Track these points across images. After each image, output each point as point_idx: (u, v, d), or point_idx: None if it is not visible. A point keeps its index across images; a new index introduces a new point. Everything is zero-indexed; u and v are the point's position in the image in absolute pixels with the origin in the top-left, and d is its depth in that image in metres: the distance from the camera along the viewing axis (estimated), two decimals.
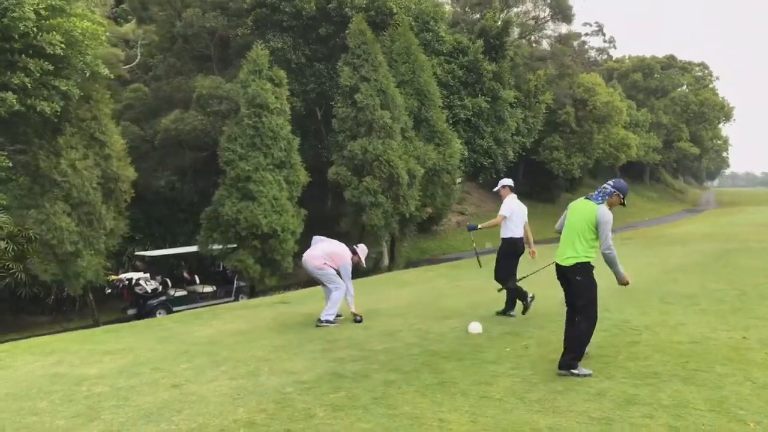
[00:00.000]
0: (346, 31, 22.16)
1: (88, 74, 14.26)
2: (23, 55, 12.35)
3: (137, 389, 5.53)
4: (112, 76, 15.23)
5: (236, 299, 19.40)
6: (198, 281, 21.86)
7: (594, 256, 5.48)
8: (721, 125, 73.32)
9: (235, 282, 20.05)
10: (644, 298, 9.20)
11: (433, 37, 28.20)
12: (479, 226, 8.50)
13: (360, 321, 8.37)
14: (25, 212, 14.01)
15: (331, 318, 8.23)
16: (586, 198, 5.70)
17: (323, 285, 8.49)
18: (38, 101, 12.81)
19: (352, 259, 8.53)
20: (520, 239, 8.17)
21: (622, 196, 5.60)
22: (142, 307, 19.53)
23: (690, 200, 70.56)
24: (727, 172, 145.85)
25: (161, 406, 4.98)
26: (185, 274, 22.57)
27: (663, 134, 61.85)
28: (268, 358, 6.48)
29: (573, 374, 5.35)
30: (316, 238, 8.86)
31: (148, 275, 21.78)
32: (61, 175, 13.67)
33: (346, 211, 21.35)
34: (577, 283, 5.54)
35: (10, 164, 13.04)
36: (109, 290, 21.99)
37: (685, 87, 69.88)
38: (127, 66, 31.55)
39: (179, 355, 6.85)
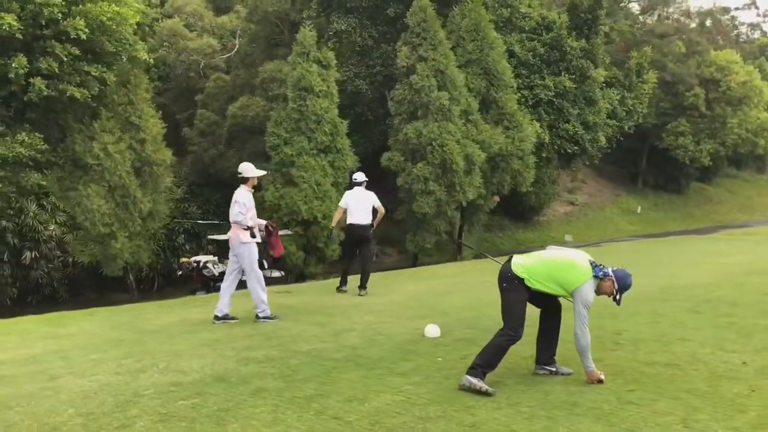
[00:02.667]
0: (410, 10, 21.43)
1: (125, 59, 14.66)
2: (52, 41, 12.85)
3: (14, 379, 5.37)
4: (151, 61, 15.61)
5: None
6: (267, 266, 22.32)
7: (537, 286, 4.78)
8: None
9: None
10: (671, 305, 8.00)
11: (512, 13, 26.66)
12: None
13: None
14: (66, 195, 14.71)
15: (267, 312, 7.70)
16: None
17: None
18: (70, 86, 13.30)
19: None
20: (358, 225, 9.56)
21: (616, 289, 4.74)
22: (210, 289, 20.14)
23: None
24: None
25: (3, 400, 4.74)
26: None
27: None
28: (180, 353, 6.12)
29: (472, 385, 4.57)
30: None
31: (216, 258, 22.53)
32: (93, 158, 14.22)
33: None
34: (504, 289, 4.86)
35: (45, 146, 13.67)
36: (180, 272, 23.05)
37: None
38: (225, 56, 32.83)
39: (105, 344, 6.71)
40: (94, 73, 13.80)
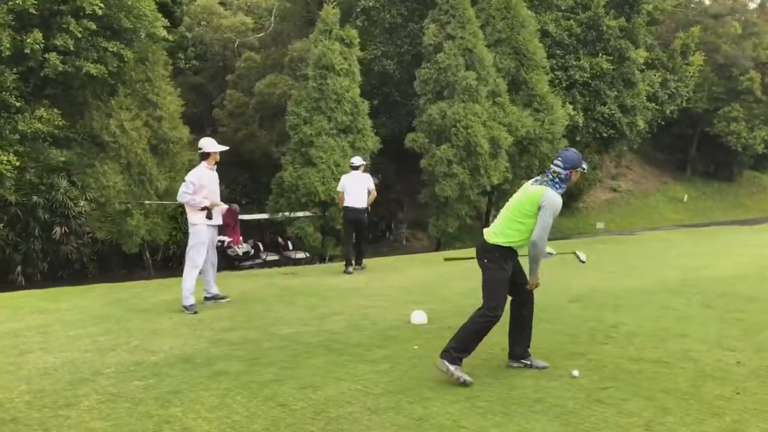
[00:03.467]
0: None
1: (143, 35, 14.71)
2: (68, 17, 12.94)
3: (21, 350, 5.44)
4: (170, 38, 15.61)
5: None
6: (291, 247, 22.45)
7: (518, 241, 4.62)
8: None
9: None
10: (682, 298, 7.64)
11: None
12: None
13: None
14: (84, 171, 14.92)
15: (187, 302, 6.99)
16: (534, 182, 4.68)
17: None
18: (86, 63, 13.41)
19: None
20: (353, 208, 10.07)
21: (579, 170, 4.59)
22: (234, 269, 20.37)
23: None
24: None
25: None
26: (279, 240, 23.30)
27: None
28: (158, 332, 6.10)
29: (448, 371, 4.39)
30: None
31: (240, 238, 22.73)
32: (110, 135, 14.36)
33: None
34: (485, 266, 4.64)
35: (62, 122, 13.84)
36: None
37: None
38: (259, 35, 32.85)
39: (90, 320, 6.71)
40: (111, 50, 13.87)
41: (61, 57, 13.06)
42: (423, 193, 20.45)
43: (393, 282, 9.43)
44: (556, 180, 4.54)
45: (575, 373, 4.61)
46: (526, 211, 4.52)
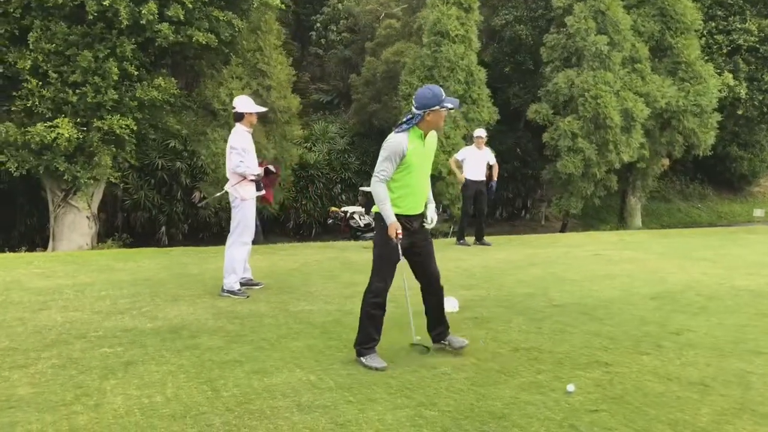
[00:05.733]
0: None
1: (255, 4, 15.03)
2: None
3: (10, 306, 5.73)
4: (283, 6, 15.81)
5: None
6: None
7: (399, 205, 4.16)
8: None
9: None
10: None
11: None
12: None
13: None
14: (198, 139, 15.71)
15: (234, 286, 6.27)
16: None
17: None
18: (197, 32, 13.96)
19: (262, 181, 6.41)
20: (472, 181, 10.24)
21: (439, 107, 4.04)
22: (358, 239, 20.72)
23: None
24: None
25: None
26: None
27: None
28: (177, 299, 6.13)
29: (362, 364, 4.16)
30: None
31: (362, 210, 23.11)
32: (220, 104, 14.90)
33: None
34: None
35: (177, 91, 14.58)
36: (330, 221, 24.05)
37: None
38: (403, 5, 32.78)
39: (130, 282, 6.93)
40: (222, 19, 14.33)
41: (173, 27, 13.69)
42: (547, 169, 19.22)
43: (464, 264, 8.84)
44: (405, 121, 4.13)
45: (570, 388, 3.87)
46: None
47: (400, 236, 4.08)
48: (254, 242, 6.79)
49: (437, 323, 4.58)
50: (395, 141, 4.05)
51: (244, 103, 6.33)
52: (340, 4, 31.46)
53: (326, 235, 25.25)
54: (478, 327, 5.40)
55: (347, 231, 21.89)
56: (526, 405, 3.63)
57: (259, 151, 15.78)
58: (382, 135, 22.00)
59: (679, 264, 9.05)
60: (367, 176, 27.26)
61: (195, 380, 3.92)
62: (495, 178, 10.56)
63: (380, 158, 4.08)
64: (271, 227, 25.07)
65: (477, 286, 7.25)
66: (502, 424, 3.37)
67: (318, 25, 31.63)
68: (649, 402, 3.74)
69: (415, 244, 4.29)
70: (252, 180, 6.32)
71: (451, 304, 6.04)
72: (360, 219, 22.72)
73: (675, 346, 4.89)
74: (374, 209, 4.25)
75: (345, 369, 4.18)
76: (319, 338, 4.90)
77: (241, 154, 6.19)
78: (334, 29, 31.19)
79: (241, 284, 6.48)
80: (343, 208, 23.52)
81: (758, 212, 25.06)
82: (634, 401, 3.75)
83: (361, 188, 24.98)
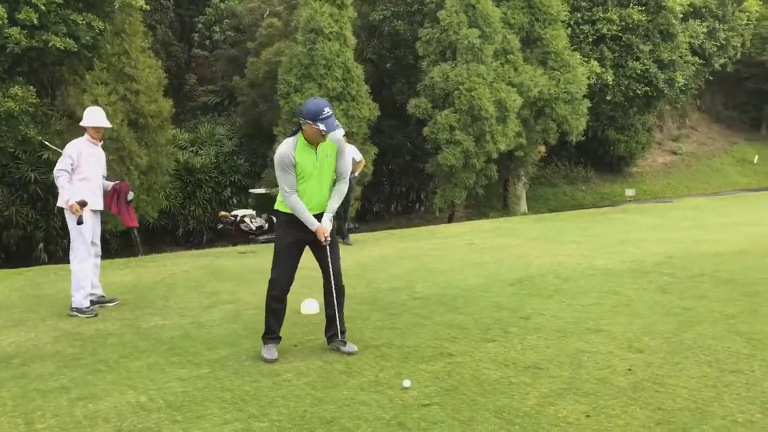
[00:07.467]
0: None
1: (117, 5, 14.31)
2: None
3: None
4: (147, 8, 15.16)
5: None
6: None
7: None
8: None
9: None
10: (645, 279, 6.86)
11: None
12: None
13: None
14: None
15: (82, 303, 5.93)
16: None
17: None
18: (53, 37, 13.12)
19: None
20: None
21: (312, 123, 4.06)
22: (249, 243, 20.18)
23: None
24: None
25: None
26: None
27: None
28: (19, 324, 5.70)
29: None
30: None
31: (254, 212, 22.60)
32: (83, 110, 14.01)
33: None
34: None
35: (36, 100, 13.65)
36: (220, 225, 23.35)
37: None
38: (289, 2, 32.21)
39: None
40: (81, 21, 13.54)
41: (26, 31, 12.79)
42: (430, 162, 19.60)
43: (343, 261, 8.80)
44: (294, 129, 4.28)
45: (406, 383, 3.91)
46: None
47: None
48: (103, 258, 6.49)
49: (330, 325, 4.63)
50: (279, 152, 4.18)
51: (87, 116, 6.17)
52: (222, 4, 30.66)
53: (220, 240, 24.55)
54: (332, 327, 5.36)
55: (239, 235, 21.41)
56: (359, 406, 3.63)
57: (131, 159, 15.25)
58: (271, 136, 21.62)
59: (546, 248, 9.35)
60: (257, 177, 26.81)
61: (10, 414, 3.65)
62: (356, 173, 10.35)
63: (277, 175, 4.24)
64: (160, 236, 24.10)
65: (346, 284, 7.23)
66: (330, 429, 3.34)
67: (200, 26, 30.71)
68: (482, 391, 3.83)
69: (314, 242, 4.42)
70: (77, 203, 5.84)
71: (312, 306, 6.03)
72: (251, 222, 22.30)
73: (521, 332, 5.04)
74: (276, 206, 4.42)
75: (181, 386, 4.02)
76: (163, 355, 4.70)
77: (66, 159, 5.86)
78: (218, 30, 30.37)
79: (93, 302, 6.12)
80: (233, 212, 22.99)
81: (629, 192, 26.78)
82: (468, 391, 3.82)
83: (251, 190, 24.53)
